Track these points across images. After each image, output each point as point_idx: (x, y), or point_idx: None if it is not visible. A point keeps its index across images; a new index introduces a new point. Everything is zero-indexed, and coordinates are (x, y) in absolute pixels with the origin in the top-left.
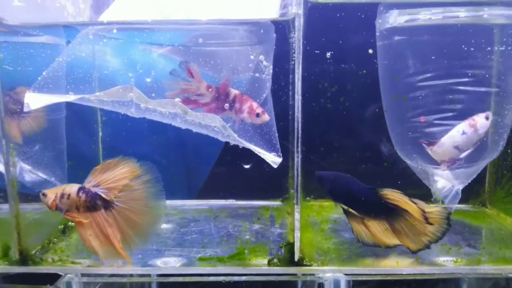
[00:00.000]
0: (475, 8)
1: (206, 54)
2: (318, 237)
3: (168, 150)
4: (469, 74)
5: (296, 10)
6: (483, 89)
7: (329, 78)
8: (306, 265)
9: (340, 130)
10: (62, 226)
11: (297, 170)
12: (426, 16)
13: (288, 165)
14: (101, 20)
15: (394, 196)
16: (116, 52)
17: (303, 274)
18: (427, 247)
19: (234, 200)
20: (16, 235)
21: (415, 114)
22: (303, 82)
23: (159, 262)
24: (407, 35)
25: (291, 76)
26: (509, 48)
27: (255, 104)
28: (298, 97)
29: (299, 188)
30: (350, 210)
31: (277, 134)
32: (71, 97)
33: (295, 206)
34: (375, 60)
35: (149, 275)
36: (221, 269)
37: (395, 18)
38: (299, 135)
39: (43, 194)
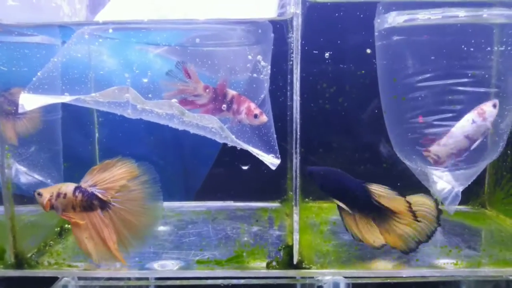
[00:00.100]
0: (475, 8)
1: (203, 54)
2: (317, 239)
3: (166, 151)
4: (469, 75)
5: (294, 9)
6: (482, 89)
7: (328, 78)
8: (305, 268)
9: (339, 131)
10: (59, 228)
11: (296, 171)
12: (425, 16)
13: (286, 166)
14: (96, 20)
15: (380, 191)
16: (112, 52)
17: (302, 277)
18: (416, 247)
19: (232, 202)
20: (11, 238)
21: (414, 115)
22: (301, 82)
23: (156, 265)
24: (406, 35)
25: (289, 76)
26: (509, 48)
27: (253, 105)
28: (296, 98)
29: (297, 189)
30: (341, 204)
31: (275, 135)
32: (66, 98)
33: (294, 208)
34: (374, 60)
35: (146, 279)
36: (219, 272)
37: (394, 18)
38: (298, 136)
39: (39, 194)
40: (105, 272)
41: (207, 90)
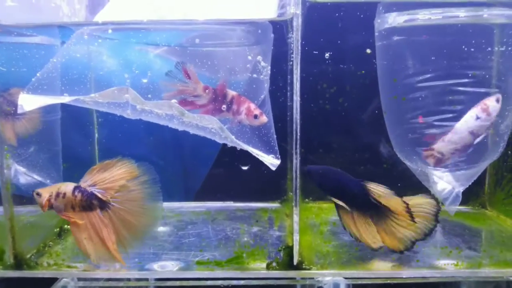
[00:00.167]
0: (475, 8)
1: (203, 54)
2: (317, 240)
3: (165, 151)
4: (469, 75)
5: (294, 10)
6: (483, 90)
7: (328, 79)
8: (305, 269)
9: (339, 131)
10: (58, 229)
11: (296, 172)
12: (425, 16)
13: (286, 167)
14: (96, 20)
15: (378, 190)
16: (111, 52)
17: (302, 278)
18: (412, 246)
19: (232, 202)
20: (10, 239)
21: (415, 115)
22: (301, 83)
23: (156, 266)
24: (406, 35)
25: (289, 77)
26: (509, 48)
27: (252, 106)
28: (296, 98)
29: (298, 190)
30: (339, 202)
31: (275, 136)
32: (65, 99)
33: (294, 208)
34: (374, 61)
35: (146, 279)
36: (219, 273)
37: (394, 18)
38: (298, 137)
39: (37, 194)
40: (104, 273)
41: (207, 90)
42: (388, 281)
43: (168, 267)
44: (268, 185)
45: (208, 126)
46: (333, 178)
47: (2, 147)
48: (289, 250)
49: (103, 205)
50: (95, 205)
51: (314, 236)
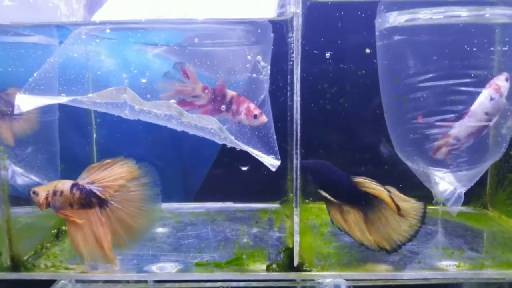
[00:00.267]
0: (477, 8)
1: (202, 54)
2: (317, 241)
3: (164, 151)
4: (471, 75)
5: (295, 9)
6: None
7: (328, 78)
8: (305, 271)
9: (339, 131)
10: (56, 230)
11: (296, 172)
12: (427, 16)
13: (286, 167)
14: (93, 20)
15: (366, 184)
16: (109, 52)
17: (303, 280)
18: (399, 246)
19: (231, 203)
20: (7, 241)
21: (416, 115)
22: (301, 82)
23: (155, 267)
24: (407, 35)
25: (289, 76)
26: (511, 48)
27: (252, 106)
28: (296, 98)
29: (298, 191)
30: (326, 195)
31: (275, 136)
32: (63, 99)
33: (295, 209)
34: (375, 60)
35: (145, 281)
36: (218, 275)
37: (395, 18)
38: (298, 137)
39: (34, 193)
40: (102, 275)
41: (206, 90)
42: (390, 283)
43: (167, 269)
44: (268, 186)
45: (207, 126)
46: (322, 171)
47: None
48: (290, 251)
49: (102, 203)
50: (94, 202)
51: (315, 237)
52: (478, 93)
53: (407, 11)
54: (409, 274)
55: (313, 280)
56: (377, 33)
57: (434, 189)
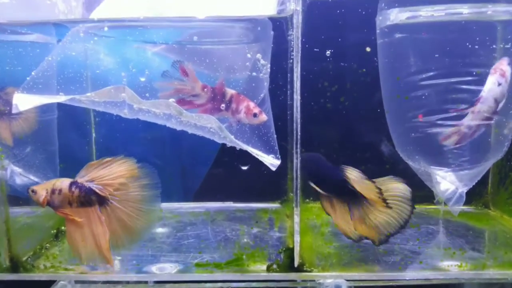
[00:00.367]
0: (479, 5)
1: (202, 52)
2: (318, 241)
3: (163, 150)
4: (473, 73)
5: (295, 6)
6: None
7: (329, 77)
8: (306, 271)
9: (340, 130)
10: (55, 230)
11: (297, 172)
12: (428, 13)
13: (287, 167)
14: (91, 17)
15: (352, 174)
16: (108, 50)
17: (303, 280)
18: (387, 237)
19: (231, 203)
20: (6, 241)
21: (417, 114)
22: (302, 81)
23: (154, 268)
24: (408, 33)
25: (289, 75)
26: None
27: (252, 104)
28: (297, 97)
29: (298, 190)
30: (315, 187)
31: (275, 135)
32: (61, 98)
33: (295, 209)
34: (376, 58)
35: (145, 282)
36: (218, 275)
37: (396, 15)
38: (298, 136)
39: (33, 191)
40: (102, 275)
41: (205, 89)
42: (391, 283)
43: (166, 269)
44: (268, 185)
45: (207, 125)
46: (312, 163)
47: None
48: (290, 251)
49: (102, 201)
50: (93, 201)
51: (315, 237)
52: (480, 91)
53: (408, 9)
54: (411, 274)
55: (314, 280)
56: (378, 31)
57: (436, 189)
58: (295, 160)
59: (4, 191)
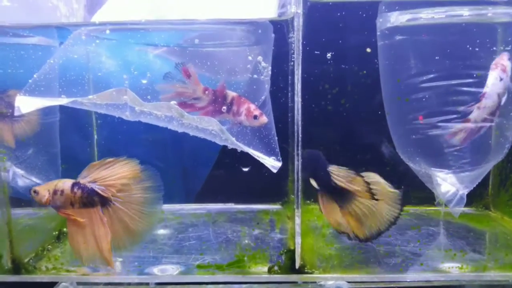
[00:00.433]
0: (479, 7)
1: (203, 55)
2: (319, 242)
3: (165, 152)
4: (474, 75)
5: (295, 9)
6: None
7: (330, 79)
8: (307, 273)
9: (341, 132)
10: (57, 232)
11: (298, 174)
12: (428, 15)
13: (287, 168)
14: (93, 20)
15: (336, 176)
16: (109, 53)
17: (304, 282)
18: (378, 234)
19: (232, 204)
20: (8, 243)
21: (418, 116)
22: (302, 83)
23: (156, 270)
24: (409, 35)
25: (290, 77)
26: None
27: (252, 106)
28: (297, 99)
29: (299, 192)
30: (314, 184)
31: (276, 138)
32: (63, 100)
33: (296, 210)
34: (376, 61)
35: (146, 284)
36: (220, 277)
37: (397, 17)
38: (299, 138)
39: (35, 192)
40: (104, 277)
41: (207, 92)
42: (392, 285)
43: (168, 271)
44: (269, 187)
45: (208, 127)
46: (311, 161)
47: None
48: (291, 253)
49: (105, 202)
50: (96, 201)
51: (316, 239)
52: (480, 93)
53: (409, 11)
54: (412, 276)
55: (315, 282)
56: (378, 33)
57: (436, 190)
58: (296, 162)
59: (6, 193)
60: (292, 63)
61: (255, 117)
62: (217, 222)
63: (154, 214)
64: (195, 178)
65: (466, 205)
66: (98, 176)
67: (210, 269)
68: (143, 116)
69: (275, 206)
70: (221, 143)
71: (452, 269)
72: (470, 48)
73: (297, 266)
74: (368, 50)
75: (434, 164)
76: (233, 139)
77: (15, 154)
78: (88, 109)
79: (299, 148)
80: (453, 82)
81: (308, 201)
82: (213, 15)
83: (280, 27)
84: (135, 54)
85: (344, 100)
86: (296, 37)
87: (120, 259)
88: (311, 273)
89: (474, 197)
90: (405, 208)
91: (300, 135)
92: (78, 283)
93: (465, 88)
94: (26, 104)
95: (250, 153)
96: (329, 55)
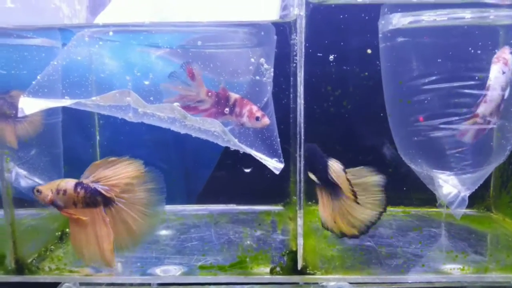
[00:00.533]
0: (481, 10)
1: (205, 56)
2: (321, 244)
3: (167, 153)
4: (476, 78)
5: (298, 11)
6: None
7: (332, 81)
8: (309, 274)
9: (343, 134)
10: (60, 232)
11: (300, 175)
12: (430, 18)
13: (289, 169)
14: (96, 22)
15: (333, 167)
16: (112, 54)
17: (306, 283)
18: (361, 232)
19: (234, 205)
20: (11, 243)
21: (419, 117)
22: (305, 85)
23: (158, 270)
24: (411, 37)
25: (292, 79)
26: None
27: (255, 108)
28: (300, 101)
29: (301, 193)
30: (313, 178)
31: (278, 139)
32: (66, 102)
33: (298, 211)
34: (378, 62)
35: (148, 284)
36: (222, 278)
37: (399, 19)
38: (302, 140)
39: (38, 191)
40: (106, 277)
41: (210, 94)
42: (394, 286)
43: (170, 271)
44: (271, 188)
45: (211, 129)
46: (309, 153)
47: (2, 150)
48: (293, 254)
49: (108, 202)
50: (99, 201)
51: (318, 240)
52: (482, 96)
53: (411, 13)
54: (413, 278)
55: (317, 283)
56: (380, 35)
57: (438, 192)
58: (298, 163)
59: (10, 194)
60: (295, 64)
61: (257, 118)
62: (219, 223)
63: (156, 216)
64: (197, 179)
65: (468, 206)
66: (101, 176)
67: (212, 270)
68: (146, 118)
69: (277, 207)
70: (224, 145)
71: (454, 270)
72: (472, 51)
73: (299, 267)
74: (369, 51)
75: (436, 166)
76: (236, 140)
77: (18, 154)
78: (91, 110)
79: (301, 149)
80: (455, 84)
81: (310, 202)
82: (215, 17)
83: (283, 29)
84: (138, 55)
85: (346, 102)
86: (299, 39)
87: (122, 260)
88: (313, 274)
89: (476, 199)
90: (407, 209)
91: (302, 137)
92: (81, 284)
93: (467, 91)
94: (29, 105)
95: (252, 154)
96: (331, 57)
